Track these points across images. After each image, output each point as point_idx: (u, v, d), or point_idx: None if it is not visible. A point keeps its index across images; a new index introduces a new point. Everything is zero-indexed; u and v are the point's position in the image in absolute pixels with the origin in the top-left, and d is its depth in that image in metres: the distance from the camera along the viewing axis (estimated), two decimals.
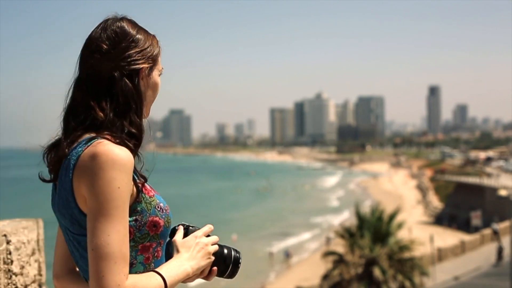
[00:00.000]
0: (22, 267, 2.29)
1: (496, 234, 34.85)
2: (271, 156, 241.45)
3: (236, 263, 1.50)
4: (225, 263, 1.49)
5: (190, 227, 1.50)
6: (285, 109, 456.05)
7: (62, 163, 1.36)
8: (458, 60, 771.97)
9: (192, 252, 1.43)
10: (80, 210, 1.31)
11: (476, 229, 38.41)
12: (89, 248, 1.25)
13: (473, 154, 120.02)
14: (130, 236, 1.31)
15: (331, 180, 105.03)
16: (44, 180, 1.45)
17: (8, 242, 2.21)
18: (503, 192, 45.14)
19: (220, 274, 1.50)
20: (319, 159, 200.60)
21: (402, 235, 24.53)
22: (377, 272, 20.03)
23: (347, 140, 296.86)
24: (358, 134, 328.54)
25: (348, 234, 21.92)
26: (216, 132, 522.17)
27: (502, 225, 36.21)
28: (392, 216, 22.43)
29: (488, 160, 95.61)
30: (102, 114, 1.36)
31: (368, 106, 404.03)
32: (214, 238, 1.50)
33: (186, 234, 1.48)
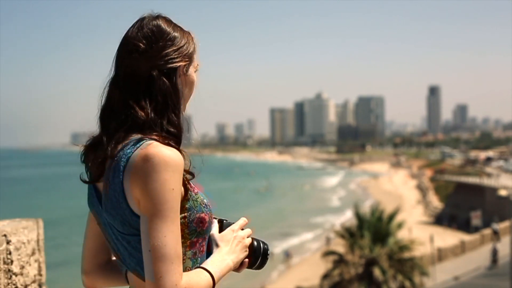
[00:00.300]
0: (22, 267, 2.29)
1: (496, 234, 34.85)
2: (271, 156, 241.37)
3: (265, 255, 1.55)
4: (255, 255, 1.54)
5: (224, 221, 1.54)
6: (285, 109, 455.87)
7: (109, 164, 1.35)
8: (458, 60, 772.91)
9: (231, 245, 1.47)
10: (131, 211, 1.32)
11: (476, 229, 38.42)
12: (145, 249, 1.27)
13: (473, 154, 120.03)
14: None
15: (332, 180, 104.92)
16: (85, 182, 1.45)
17: (8, 242, 2.21)
18: (503, 192, 45.13)
19: (250, 266, 1.54)
20: (319, 159, 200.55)
21: (402, 235, 24.54)
22: (377, 272, 20.04)
23: (347, 140, 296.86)
24: (358, 134, 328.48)
25: (348, 234, 21.93)
26: (216, 132, 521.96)
27: (502, 225, 36.23)
28: (392, 216, 22.44)
29: (488, 160, 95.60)
30: (143, 113, 1.36)
31: (368, 106, 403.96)
32: (249, 231, 1.54)
33: (220, 228, 1.51)
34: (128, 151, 1.32)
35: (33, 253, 2.38)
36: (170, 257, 1.25)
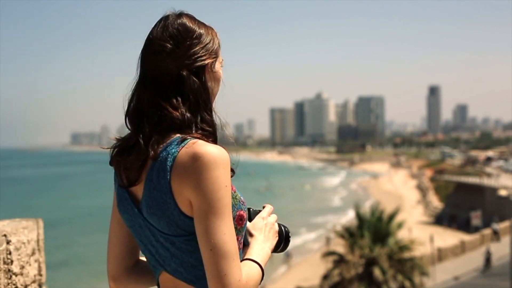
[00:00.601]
0: (22, 267, 2.29)
1: (496, 234, 34.87)
2: (271, 156, 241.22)
3: (287, 238, 1.59)
4: (279, 239, 1.57)
5: (251, 209, 1.55)
6: (285, 109, 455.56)
7: (150, 166, 1.34)
8: (458, 60, 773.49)
9: (264, 233, 1.49)
10: (180, 211, 1.31)
11: (476, 229, 38.41)
12: (204, 249, 1.27)
13: (473, 154, 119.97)
14: None
15: (333, 180, 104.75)
16: (124, 186, 1.41)
17: (8, 242, 2.21)
18: (503, 192, 45.15)
19: (274, 250, 1.57)
20: (319, 159, 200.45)
21: (402, 235, 24.52)
22: (377, 272, 20.03)
23: (347, 140, 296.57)
24: (358, 134, 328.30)
25: (348, 234, 21.91)
26: None
27: (502, 225, 36.23)
28: (392, 216, 22.42)
29: (488, 160, 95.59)
30: (178, 114, 1.35)
31: (368, 106, 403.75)
32: (275, 217, 1.56)
33: (248, 216, 1.52)
34: (173, 150, 1.31)
35: (33, 253, 2.38)
36: (232, 253, 1.27)
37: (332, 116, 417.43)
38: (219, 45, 1.48)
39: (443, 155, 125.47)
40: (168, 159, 1.30)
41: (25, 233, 2.33)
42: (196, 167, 1.27)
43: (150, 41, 1.42)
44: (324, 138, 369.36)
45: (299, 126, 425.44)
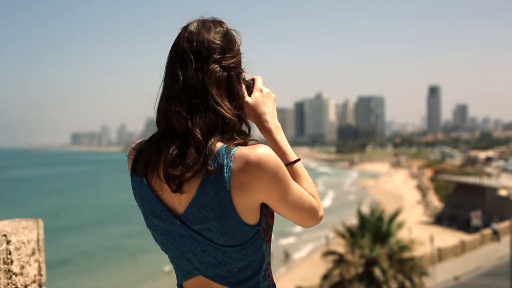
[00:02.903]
0: (22, 267, 2.29)
1: (496, 234, 34.89)
2: None
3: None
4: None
5: (249, 82, 1.54)
6: (285, 109, 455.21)
7: (203, 177, 1.30)
8: (458, 60, 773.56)
9: (268, 105, 1.54)
10: (241, 220, 1.32)
11: (476, 229, 38.42)
12: (294, 217, 1.41)
13: (473, 154, 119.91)
14: (263, 232, 1.40)
15: (346, 181, 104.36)
16: (176, 191, 1.34)
17: (8, 242, 2.21)
18: (503, 192, 45.17)
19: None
20: (319, 159, 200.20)
21: (402, 235, 24.51)
22: (377, 272, 20.02)
23: (347, 140, 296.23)
24: (358, 134, 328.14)
25: (348, 234, 21.90)
26: None
27: (502, 225, 36.24)
28: (393, 217, 22.40)
29: (488, 160, 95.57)
30: (230, 114, 1.36)
31: (368, 106, 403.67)
32: (260, 79, 1.56)
33: (248, 89, 1.53)
34: (226, 161, 1.29)
35: (33, 253, 2.38)
36: (306, 202, 1.40)
37: (332, 116, 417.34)
38: None
39: (443, 155, 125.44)
40: (224, 170, 1.29)
41: (25, 233, 2.33)
42: (259, 173, 1.29)
43: (201, 39, 1.39)
44: (324, 138, 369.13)
45: (299, 126, 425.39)
